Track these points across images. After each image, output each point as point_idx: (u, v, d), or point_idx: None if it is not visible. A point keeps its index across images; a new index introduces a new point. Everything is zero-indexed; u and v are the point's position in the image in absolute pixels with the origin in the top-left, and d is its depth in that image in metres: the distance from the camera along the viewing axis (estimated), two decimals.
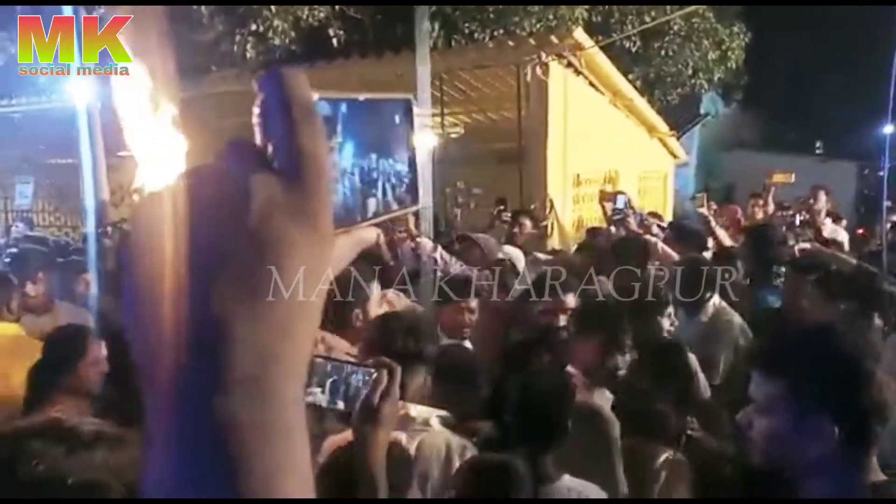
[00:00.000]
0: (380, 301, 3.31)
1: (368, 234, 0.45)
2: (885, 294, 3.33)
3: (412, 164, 0.55)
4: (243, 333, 0.41)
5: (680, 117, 14.43)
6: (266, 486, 0.41)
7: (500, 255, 5.09)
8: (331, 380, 1.53)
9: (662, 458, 2.35)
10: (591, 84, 8.69)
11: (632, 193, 6.65)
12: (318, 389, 1.55)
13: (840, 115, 20.08)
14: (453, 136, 7.98)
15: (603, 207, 6.45)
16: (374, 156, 0.53)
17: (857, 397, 1.46)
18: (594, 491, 2.10)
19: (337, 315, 2.96)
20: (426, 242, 4.80)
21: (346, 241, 0.42)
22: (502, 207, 6.70)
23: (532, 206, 6.91)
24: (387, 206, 0.54)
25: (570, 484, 2.07)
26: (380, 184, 0.53)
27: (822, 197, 7.21)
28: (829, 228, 6.92)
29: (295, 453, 0.43)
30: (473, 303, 3.68)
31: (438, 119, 7.36)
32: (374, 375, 1.46)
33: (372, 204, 0.53)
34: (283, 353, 0.43)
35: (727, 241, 6.11)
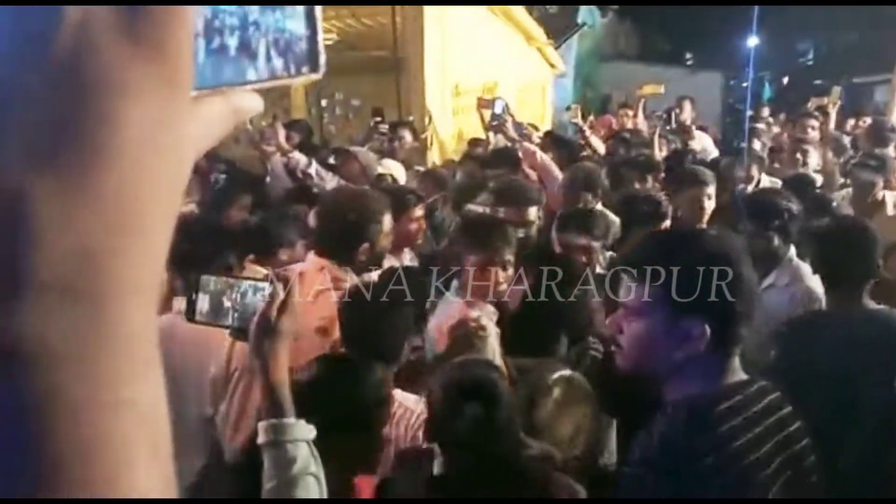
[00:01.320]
0: (389, 234, 2.86)
1: (250, 103, 0.35)
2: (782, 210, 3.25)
3: (310, 19, 0.42)
4: (51, 220, 0.28)
5: (558, 27, 14.41)
6: (92, 433, 0.28)
7: (381, 170, 4.95)
8: (224, 297, 1.47)
9: (556, 375, 2.36)
10: None
11: (511, 104, 6.58)
12: (209, 307, 1.48)
13: (710, 26, 20.74)
14: (327, 42, 7.59)
15: (481, 114, 6.37)
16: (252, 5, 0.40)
17: (728, 300, 1.47)
18: (412, 401, 2.12)
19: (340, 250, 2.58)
20: (299, 157, 4.59)
21: (217, 105, 0.31)
22: (379, 119, 6.47)
23: (410, 118, 6.74)
24: (272, 71, 0.41)
25: (399, 397, 2.08)
26: (262, 41, 0.41)
27: (688, 107, 7.51)
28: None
29: (144, 392, 0.30)
30: (420, 211, 3.50)
31: None
32: (270, 290, 1.42)
33: (249, 68, 0.40)
34: (119, 255, 0.29)
35: (602, 151, 6.25)
